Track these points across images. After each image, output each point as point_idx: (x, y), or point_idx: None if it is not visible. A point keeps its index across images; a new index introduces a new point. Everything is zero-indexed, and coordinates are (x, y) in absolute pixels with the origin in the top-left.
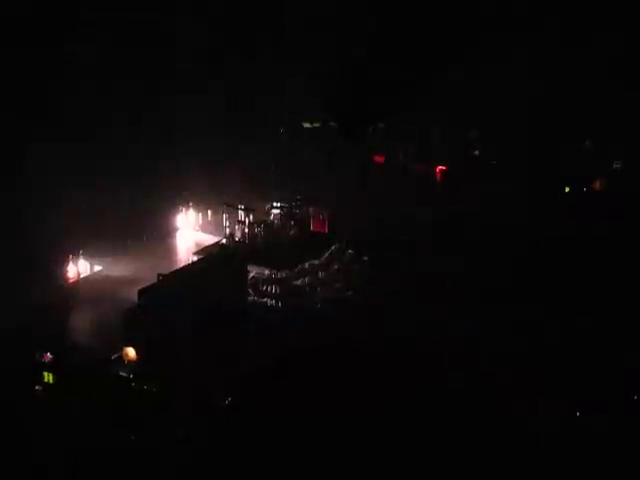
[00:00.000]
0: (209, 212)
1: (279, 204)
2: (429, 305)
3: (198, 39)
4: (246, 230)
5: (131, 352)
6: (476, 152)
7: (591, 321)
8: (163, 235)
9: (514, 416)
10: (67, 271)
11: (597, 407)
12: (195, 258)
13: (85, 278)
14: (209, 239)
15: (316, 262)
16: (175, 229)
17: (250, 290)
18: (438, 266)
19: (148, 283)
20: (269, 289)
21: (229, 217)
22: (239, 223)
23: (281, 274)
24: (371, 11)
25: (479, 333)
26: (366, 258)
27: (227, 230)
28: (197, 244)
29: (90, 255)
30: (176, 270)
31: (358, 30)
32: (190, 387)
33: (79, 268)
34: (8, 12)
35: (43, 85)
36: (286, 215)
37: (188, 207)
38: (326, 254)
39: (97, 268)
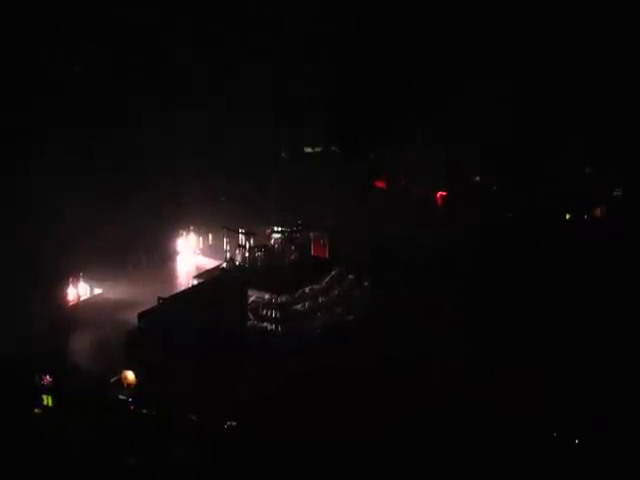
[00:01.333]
0: (210, 236)
1: (280, 228)
2: (429, 328)
3: (199, 59)
4: (246, 254)
5: (130, 375)
6: (477, 178)
7: (591, 344)
8: (164, 259)
9: (514, 435)
10: (67, 294)
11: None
12: (195, 282)
13: (85, 301)
14: (209, 263)
15: (316, 287)
16: (176, 253)
17: (250, 314)
18: (438, 289)
19: (148, 306)
20: (269, 313)
21: (230, 241)
22: (239, 247)
23: (281, 298)
24: (373, 38)
25: (477, 355)
26: (366, 283)
27: (227, 254)
28: (197, 268)
29: (90, 278)
30: (176, 293)
31: (360, 56)
32: (189, 411)
33: (79, 291)
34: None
35: (41, 99)
36: (287, 239)
37: (189, 231)
38: (326, 279)
39: (97, 291)
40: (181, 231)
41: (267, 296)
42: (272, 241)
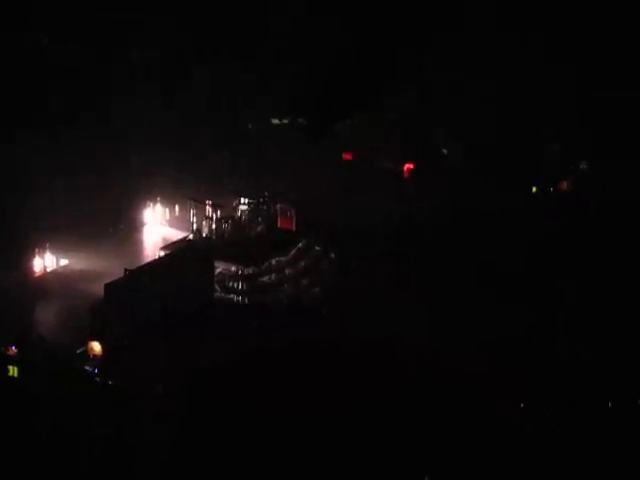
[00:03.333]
0: (177, 207)
1: (247, 200)
2: (395, 301)
3: (168, 37)
4: (213, 226)
5: (96, 347)
6: (444, 150)
7: (562, 323)
8: (130, 230)
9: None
10: (33, 264)
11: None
12: (162, 253)
13: (51, 272)
14: (176, 234)
15: (283, 259)
16: (142, 224)
17: (217, 286)
18: (404, 263)
19: (115, 277)
20: (236, 285)
21: (196, 212)
22: (206, 219)
23: (248, 270)
24: (341, 9)
25: (445, 329)
26: (333, 255)
27: (194, 226)
28: (164, 239)
29: (57, 249)
30: (143, 265)
31: (328, 28)
32: (154, 382)
33: (45, 262)
34: None
35: (14, 78)
36: (253, 211)
37: (156, 202)
38: (293, 251)
39: (63, 262)
40: (148, 202)
41: (233, 268)
42: (239, 213)
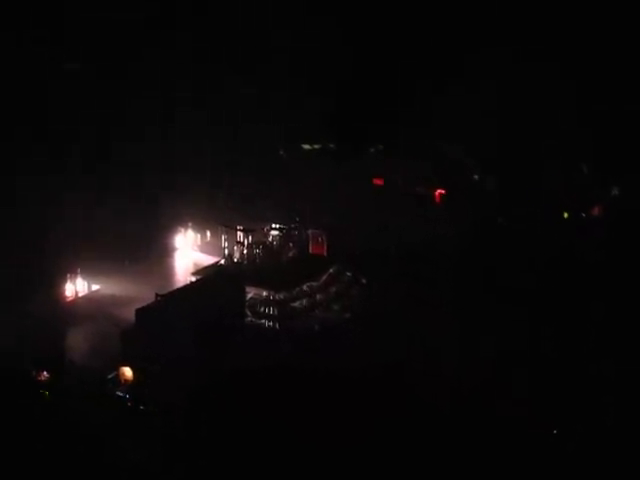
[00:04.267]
0: (208, 233)
1: (278, 225)
2: (425, 328)
3: (198, 58)
4: (245, 251)
5: (127, 372)
6: (475, 177)
7: (588, 345)
8: (162, 255)
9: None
10: (65, 290)
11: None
12: (193, 278)
13: (83, 297)
14: (207, 260)
15: (314, 284)
16: (174, 249)
17: (248, 311)
18: (435, 288)
19: (146, 303)
20: (267, 310)
21: (228, 238)
22: (238, 244)
23: (279, 295)
24: (373, 38)
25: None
26: (364, 281)
27: (226, 251)
28: (195, 264)
29: (88, 274)
30: (174, 290)
31: (359, 55)
32: (185, 407)
33: (77, 287)
34: None
35: (42, 99)
36: (285, 237)
37: (187, 227)
38: (324, 276)
39: (95, 287)
40: (179, 227)
41: (265, 293)
42: (270, 238)
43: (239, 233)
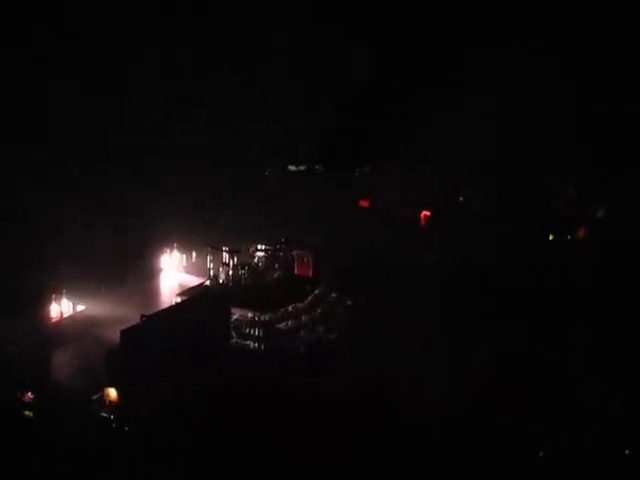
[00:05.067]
0: (193, 254)
1: (263, 246)
2: (410, 349)
3: (187, 79)
4: (230, 272)
5: (112, 393)
6: (460, 198)
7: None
8: (147, 276)
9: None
10: (50, 310)
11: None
12: (178, 299)
13: (68, 317)
14: (193, 281)
15: (300, 305)
16: (159, 270)
17: (233, 332)
18: (420, 309)
19: (131, 323)
20: (252, 331)
21: (213, 259)
22: (223, 265)
23: (264, 317)
24: (361, 59)
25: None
26: (349, 302)
27: (211, 272)
28: (181, 285)
29: (73, 295)
30: (159, 311)
31: (346, 76)
32: (171, 428)
33: (62, 307)
34: None
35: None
36: (270, 258)
37: (172, 248)
38: (310, 297)
39: (80, 308)
40: (165, 248)
41: (250, 314)
42: (256, 259)
43: (224, 254)
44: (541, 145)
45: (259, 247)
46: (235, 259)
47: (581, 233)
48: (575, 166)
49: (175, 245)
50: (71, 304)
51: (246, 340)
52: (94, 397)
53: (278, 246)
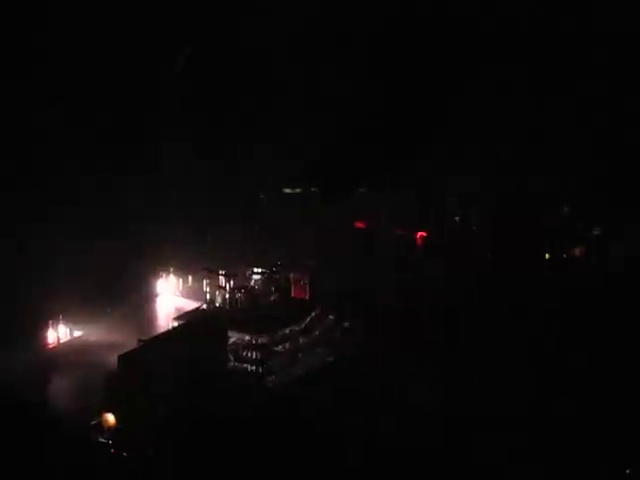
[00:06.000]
0: (190, 278)
1: (260, 270)
2: (410, 371)
3: (181, 102)
4: (227, 296)
5: (110, 418)
6: (456, 218)
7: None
8: (144, 300)
9: None
10: (47, 336)
11: None
12: (175, 324)
13: (65, 343)
14: (189, 304)
15: (297, 328)
16: (155, 294)
17: (230, 355)
18: (419, 332)
19: (128, 348)
20: (249, 354)
21: (210, 282)
22: (220, 288)
23: (261, 340)
24: (352, 80)
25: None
26: (347, 324)
27: (208, 296)
28: (177, 309)
29: (70, 320)
30: (156, 335)
31: (341, 98)
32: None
33: (59, 333)
34: None
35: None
36: (267, 281)
37: (169, 272)
38: (307, 320)
39: (77, 333)
40: (161, 273)
41: (247, 337)
42: (252, 282)
43: (221, 278)
44: (537, 167)
45: (255, 270)
46: (231, 282)
47: (577, 252)
48: (569, 184)
49: (171, 269)
50: (68, 330)
51: (243, 363)
52: (92, 423)
53: (274, 269)
